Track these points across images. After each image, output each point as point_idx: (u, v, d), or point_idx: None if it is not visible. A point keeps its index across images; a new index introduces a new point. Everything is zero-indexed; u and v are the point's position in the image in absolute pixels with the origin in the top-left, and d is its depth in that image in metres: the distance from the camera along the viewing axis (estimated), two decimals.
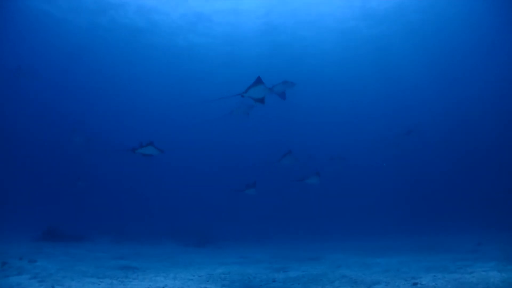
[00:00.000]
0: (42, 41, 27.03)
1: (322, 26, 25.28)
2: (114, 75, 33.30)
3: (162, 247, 13.87)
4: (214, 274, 7.58)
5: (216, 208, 25.57)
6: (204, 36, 27.12)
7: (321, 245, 14.59)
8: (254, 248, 13.92)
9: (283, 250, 12.74)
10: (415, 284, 5.99)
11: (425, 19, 24.29)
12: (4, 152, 28.94)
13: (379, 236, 16.52)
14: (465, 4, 22.39)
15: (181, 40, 27.71)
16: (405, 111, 33.65)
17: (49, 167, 31.75)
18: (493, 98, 30.31)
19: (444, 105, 32.41)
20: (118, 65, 31.83)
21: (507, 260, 7.70)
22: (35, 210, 21.28)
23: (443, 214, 21.18)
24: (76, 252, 10.39)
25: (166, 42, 27.91)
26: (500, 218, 17.02)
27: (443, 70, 30.23)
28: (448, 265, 7.62)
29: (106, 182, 30.50)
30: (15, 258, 8.08)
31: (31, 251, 9.60)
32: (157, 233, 17.06)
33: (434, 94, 32.78)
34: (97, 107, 35.76)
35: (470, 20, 24.02)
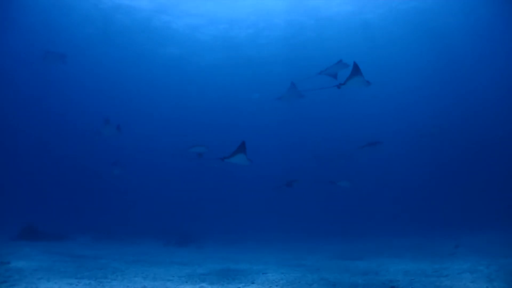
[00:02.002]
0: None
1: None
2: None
3: (143, 246, 13.78)
4: (194, 274, 7.57)
5: (197, 208, 25.51)
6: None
7: (302, 246, 14.66)
8: (235, 248, 13.93)
9: (264, 251, 12.78)
10: (392, 287, 6.08)
11: None
12: None
13: (360, 238, 16.67)
14: None
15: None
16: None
17: (30, 162, 31.23)
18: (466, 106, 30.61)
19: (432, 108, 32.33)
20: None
21: (479, 262, 7.96)
22: (13, 207, 20.88)
23: (423, 217, 21.46)
24: (55, 251, 10.25)
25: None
26: (478, 220, 17.36)
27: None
28: (426, 268, 7.74)
29: (87, 180, 30.14)
30: None
31: (6, 252, 9.41)
32: (138, 232, 16.95)
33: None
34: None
35: None
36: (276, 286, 6.53)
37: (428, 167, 30.09)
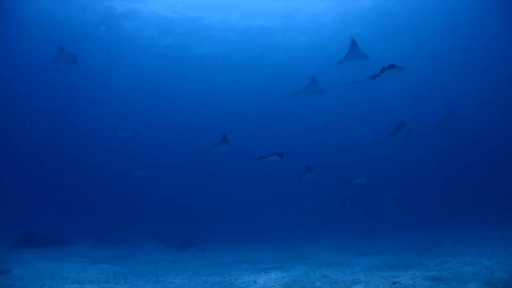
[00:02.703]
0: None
1: None
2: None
3: (144, 250, 13.78)
4: (196, 277, 7.57)
5: (198, 209, 25.46)
6: None
7: (304, 244, 14.67)
8: (236, 249, 13.92)
9: (266, 250, 12.78)
10: (394, 283, 6.08)
11: None
12: None
13: (361, 234, 16.70)
14: None
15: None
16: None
17: (29, 168, 31.13)
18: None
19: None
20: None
21: (480, 255, 7.99)
22: (12, 214, 20.82)
23: (424, 211, 21.47)
24: (57, 257, 10.23)
25: None
26: (480, 213, 17.38)
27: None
28: (427, 262, 7.75)
29: (87, 184, 30.12)
30: None
31: (7, 259, 9.39)
32: (139, 235, 16.90)
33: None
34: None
35: None
36: (279, 285, 6.53)
37: (429, 162, 30.09)
